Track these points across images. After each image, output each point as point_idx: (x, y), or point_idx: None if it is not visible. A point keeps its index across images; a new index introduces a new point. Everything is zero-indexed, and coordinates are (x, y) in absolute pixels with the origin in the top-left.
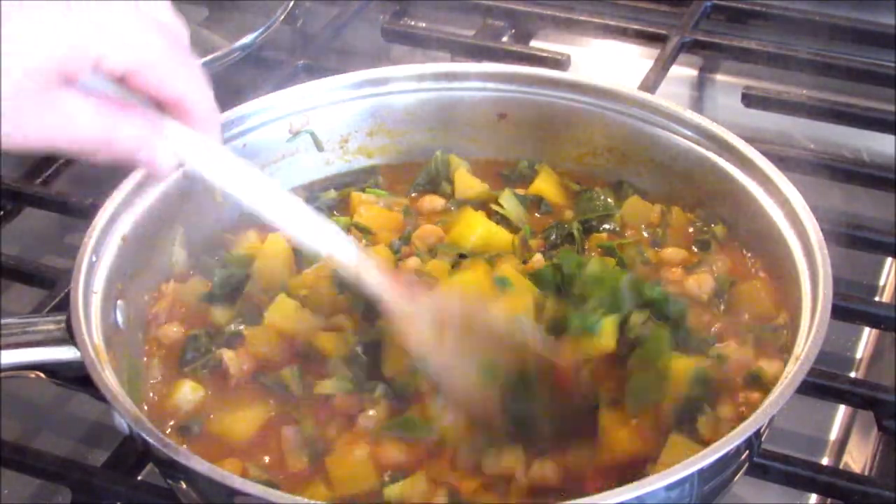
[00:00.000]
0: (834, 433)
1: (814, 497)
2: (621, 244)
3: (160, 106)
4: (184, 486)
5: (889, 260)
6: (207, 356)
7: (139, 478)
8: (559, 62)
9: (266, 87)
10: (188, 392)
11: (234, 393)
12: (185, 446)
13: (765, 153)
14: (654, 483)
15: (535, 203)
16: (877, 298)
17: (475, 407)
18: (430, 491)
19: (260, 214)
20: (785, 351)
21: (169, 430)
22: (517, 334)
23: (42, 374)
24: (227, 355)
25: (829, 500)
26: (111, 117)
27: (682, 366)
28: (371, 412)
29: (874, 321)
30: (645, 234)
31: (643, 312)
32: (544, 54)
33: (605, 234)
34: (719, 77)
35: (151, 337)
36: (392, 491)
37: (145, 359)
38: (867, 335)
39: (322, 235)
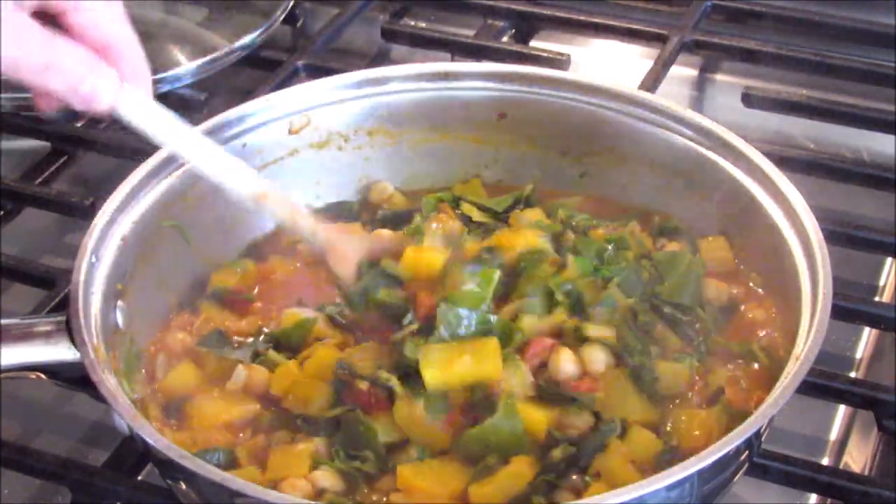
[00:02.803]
0: (834, 433)
1: (814, 497)
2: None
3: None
4: (183, 486)
5: (889, 260)
6: (224, 349)
7: (139, 478)
8: (559, 62)
9: (266, 87)
10: (186, 373)
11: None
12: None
13: (765, 153)
14: (654, 483)
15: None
16: (877, 298)
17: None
18: None
19: (188, 161)
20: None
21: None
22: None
23: (42, 375)
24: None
25: (829, 500)
26: (56, 44)
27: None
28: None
29: (874, 321)
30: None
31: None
32: (544, 54)
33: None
34: (719, 77)
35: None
36: None
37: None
38: (867, 335)
39: (251, 182)
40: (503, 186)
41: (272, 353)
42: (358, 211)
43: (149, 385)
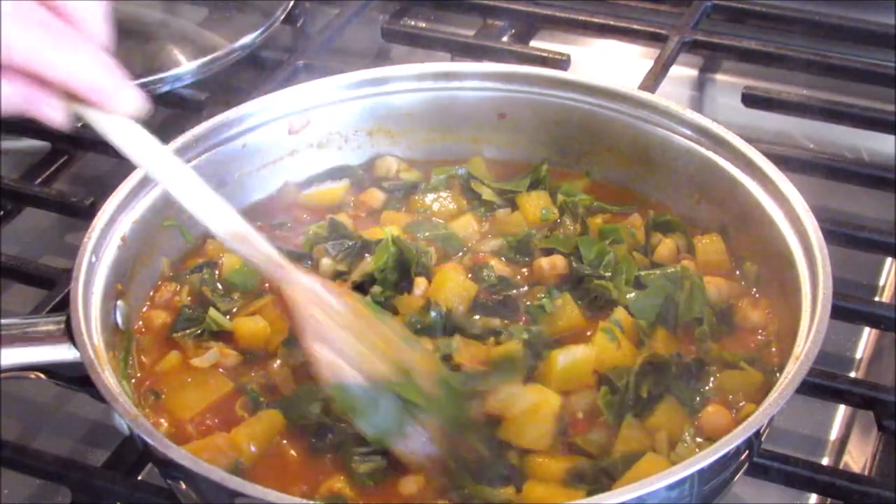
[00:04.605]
0: (834, 433)
1: (814, 497)
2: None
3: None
4: (183, 486)
5: (889, 260)
6: (196, 328)
7: (139, 478)
8: (559, 62)
9: (266, 87)
10: (172, 359)
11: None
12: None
13: (765, 153)
14: (654, 483)
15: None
16: (877, 298)
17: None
18: None
19: (159, 182)
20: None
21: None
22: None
23: (42, 375)
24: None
25: (829, 500)
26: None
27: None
28: None
29: (874, 321)
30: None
31: None
32: (544, 54)
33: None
34: (719, 77)
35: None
36: None
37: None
38: (867, 335)
39: (218, 212)
40: (509, 162)
41: (213, 313)
42: (361, 177)
43: (142, 371)
